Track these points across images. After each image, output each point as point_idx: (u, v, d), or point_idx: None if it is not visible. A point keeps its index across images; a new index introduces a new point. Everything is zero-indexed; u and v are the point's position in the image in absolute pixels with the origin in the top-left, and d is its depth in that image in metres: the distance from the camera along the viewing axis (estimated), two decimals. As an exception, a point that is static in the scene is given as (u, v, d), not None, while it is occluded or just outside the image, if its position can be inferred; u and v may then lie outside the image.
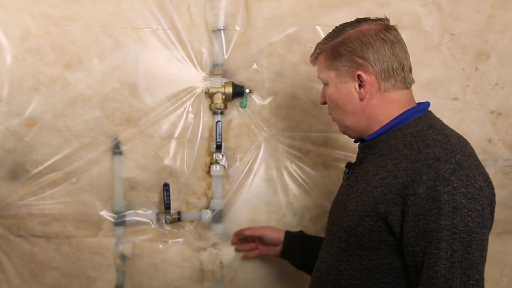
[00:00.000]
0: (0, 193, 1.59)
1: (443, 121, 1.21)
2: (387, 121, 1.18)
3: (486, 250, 1.03)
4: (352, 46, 1.18)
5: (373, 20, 1.22)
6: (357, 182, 1.19)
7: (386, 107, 1.19)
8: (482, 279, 1.00)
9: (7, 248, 1.63)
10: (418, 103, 1.22)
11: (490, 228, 1.08)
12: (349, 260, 1.15)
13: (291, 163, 1.67)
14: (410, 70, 1.22)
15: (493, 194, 1.11)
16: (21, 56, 1.55)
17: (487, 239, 1.04)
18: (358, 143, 1.28)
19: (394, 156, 1.12)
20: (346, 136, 1.67)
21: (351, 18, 1.61)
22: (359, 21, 1.22)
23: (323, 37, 1.27)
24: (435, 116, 1.22)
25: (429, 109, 1.22)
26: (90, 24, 1.58)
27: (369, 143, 1.21)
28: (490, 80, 1.68)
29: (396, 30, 1.21)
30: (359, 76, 1.18)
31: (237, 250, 1.67)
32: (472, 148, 1.14)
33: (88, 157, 1.61)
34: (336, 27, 1.25)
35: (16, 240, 1.62)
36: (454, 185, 1.01)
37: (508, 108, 1.69)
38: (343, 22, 1.24)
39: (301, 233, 1.58)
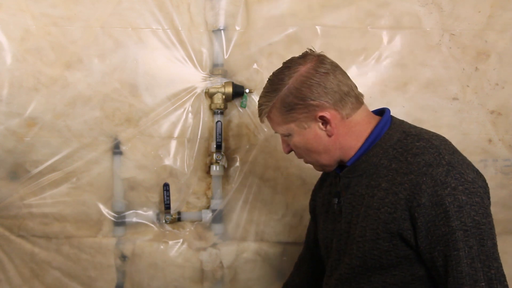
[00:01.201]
0: (0, 193, 1.59)
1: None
2: (360, 144, 1.18)
3: (495, 236, 1.06)
4: (301, 92, 1.15)
5: (301, 57, 1.19)
6: (353, 208, 1.19)
7: (354, 131, 1.18)
8: (501, 265, 1.03)
9: (8, 248, 1.63)
10: (375, 112, 1.22)
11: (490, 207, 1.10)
12: (370, 281, 1.15)
13: (291, 163, 1.66)
14: (355, 86, 1.20)
15: (484, 180, 1.13)
16: (21, 56, 1.55)
17: (493, 226, 1.07)
18: (337, 172, 1.26)
19: (384, 173, 1.13)
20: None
21: (351, 18, 1.62)
22: (289, 66, 1.18)
23: (262, 93, 1.22)
24: (399, 120, 1.21)
25: (390, 114, 1.21)
26: (90, 24, 1.58)
27: (350, 168, 1.20)
28: (490, 80, 1.68)
29: (326, 57, 1.20)
30: (321, 117, 1.16)
31: None
32: (451, 143, 1.16)
33: (88, 157, 1.61)
34: (271, 80, 1.20)
35: (17, 240, 1.62)
36: (452, 186, 1.04)
37: (508, 108, 1.68)
38: (273, 73, 1.20)
39: None
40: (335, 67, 1.18)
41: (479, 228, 1.02)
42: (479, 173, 1.13)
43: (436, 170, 1.05)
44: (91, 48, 1.58)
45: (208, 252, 1.66)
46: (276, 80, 1.19)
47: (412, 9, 1.65)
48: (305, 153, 1.22)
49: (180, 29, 1.61)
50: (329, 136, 1.17)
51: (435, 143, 1.11)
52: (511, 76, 1.68)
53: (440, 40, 1.66)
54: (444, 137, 1.16)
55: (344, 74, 1.19)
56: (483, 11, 1.67)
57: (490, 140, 1.69)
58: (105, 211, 1.64)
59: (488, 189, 1.13)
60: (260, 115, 1.24)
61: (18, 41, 1.55)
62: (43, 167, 1.59)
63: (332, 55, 1.62)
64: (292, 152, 1.26)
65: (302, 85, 1.15)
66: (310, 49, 1.21)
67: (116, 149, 1.62)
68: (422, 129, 1.19)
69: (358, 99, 1.19)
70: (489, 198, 1.12)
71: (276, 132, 1.24)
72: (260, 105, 1.23)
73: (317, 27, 1.63)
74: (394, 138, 1.15)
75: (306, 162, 1.26)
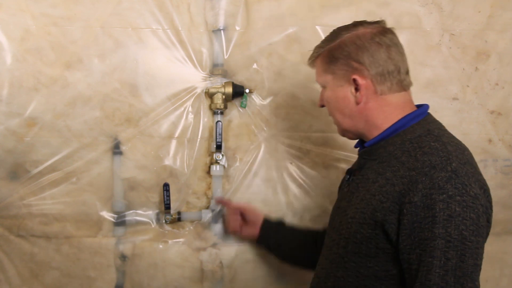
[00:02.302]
0: (0, 193, 1.59)
1: (443, 122, 1.21)
2: (385, 126, 1.18)
3: (481, 258, 1.03)
4: (347, 50, 1.19)
5: (369, 23, 1.22)
6: (358, 189, 1.19)
7: (383, 111, 1.19)
8: (476, 287, 1.00)
9: (7, 248, 1.63)
10: (417, 106, 1.22)
11: (487, 236, 1.08)
12: (346, 267, 1.16)
13: (291, 163, 1.67)
14: (407, 72, 1.21)
15: (490, 201, 1.10)
16: (21, 56, 1.55)
17: (482, 248, 1.03)
18: (358, 148, 1.28)
19: (393, 163, 1.12)
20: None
21: (351, 18, 1.61)
22: (355, 24, 1.22)
23: (322, 40, 1.27)
24: (434, 119, 1.21)
25: (429, 111, 1.22)
26: (90, 24, 1.58)
27: (368, 149, 1.21)
28: (490, 80, 1.68)
29: (392, 33, 1.21)
30: (354, 80, 1.18)
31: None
32: (470, 154, 1.14)
33: (88, 157, 1.61)
34: (333, 30, 1.25)
35: (16, 240, 1.62)
36: (449, 193, 1.01)
37: (508, 108, 1.69)
38: (341, 25, 1.24)
39: (278, 225, 1.59)
40: (393, 44, 1.19)
41: (464, 244, 0.99)
42: (487, 192, 1.10)
43: (438, 174, 1.04)
44: (91, 48, 1.58)
45: (208, 252, 1.66)
46: (335, 32, 1.23)
47: (412, 9, 1.65)
48: (332, 111, 1.26)
49: (180, 29, 1.61)
50: (357, 103, 1.19)
51: (449, 148, 1.09)
52: (511, 76, 1.68)
53: (440, 40, 1.66)
54: (465, 146, 1.15)
55: (398, 54, 1.19)
56: (483, 11, 1.67)
57: (490, 140, 1.69)
58: (105, 211, 1.64)
59: (491, 212, 1.10)
60: (308, 59, 1.29)
61: (18, 41, 1.55)
62: (43, 167, 1.59)
63: (332, 55, 1.63)
64: None
65: (353, 44, 1.18)
66: (383, 20, 1.23)
67: (116, 149, 1.62)
68: (447, 132, 1.18)
69: (401, 83, 1.19)
70: (488, 220, 1.08)
71: (316, 81, 1.29)
72: (313, 50, 1.27)
73: (317, 27, 1.63)
74: (416, 133, 1.15)
75: (334, 122, 1.29)
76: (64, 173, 1.61)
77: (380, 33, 1.19)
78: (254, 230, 1.60)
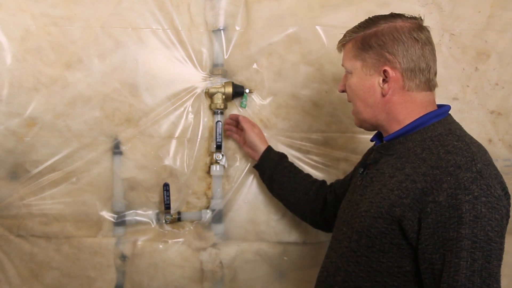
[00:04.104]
0: (0, 193, 1.59)
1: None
2: (406, 122, 1.18)
3: (502, 258, 1.03)
4: (383, 40, 1.17)
5: (407, 17, 1.21)
6: (372, 183, 1.19)
7: (406, 107, 1.18)
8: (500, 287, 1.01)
9: (7, 248, 1.63)
10: (439, 106, 1.22)
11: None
12: (358, 262, 1.15)
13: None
14: (436, 73, 1.21)
15: (509, 204, 1.11)
16: (21, 56, 1.55)
17: (504, 248, 1.04)
18: (374, 142, 1.28)
19: (412, 160, 1.12)
20: (346, 137, 1.69)
21: (351, 18, 1.62)
22: (393, 16, 1.21)
23: (355, 26, 1.25)
24: (454, 120, 1.21)
25: (449, 112, 1.22)
26: (90, 24, 1.58)
27: (386, 144, 1.21)
28: (490, 80, 1.68)
29: (428, 31, 1.21)
30: (385, 71, 1.17)
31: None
32: (490, 156, 1.14)
33: (88, 157, 1.61)
34: (370, 18, 1.23)
35: (16, 240, 1.62)
36: (475, 194, 1.01)
37: (508, 108, 1.68)
38: (378, 14, 1.23)
39: (279, 159, 1.58)
40: (429, 43, 1.19)
41: (490, 245, 0.99)
42: (508, 194, 1.10)
43: (463, 174, 1.04)
44: (91, 48, 1.58)
45: (208, 252, 1.66)
46: (373, 19, 1.22)
47: (412, 9, 1.65)
48: (354, 98, 1.24)
49: (180, 29, 1.61)
50: (383, 95, 1.18)
51: (473, 149, 1.09)
52: (511, 76, 1.68)
53: (440, 40, 1.66)
54: (485, 149, 1.15)
55: (432, 54, 1.19)
56: (483, 11, 1.67)
57: (490, 140, 1.69)
58: (105, 211, 1.64)
59: (510, 214, 1.10)
60: (339, 42, 1.27)
61: (18, 41, 1.55)
62: (43, 167, 1.59)
63: (332, 55, 1.63)
64: None
65: (389, 34, 1.17)
66: (421, 18, 1.22)
67: (116, 149, 1.62)
68: (467, 134, 1.18)
69: (429, 82, 1.19)
70: (507, 220, 1.08)
71: (342, 65, 1.27)
72: (345, 33, 1.25)
73: (317, 27, 1.63)
74: (436, 131, 1.15)
75: (352, 112, 1.27)
76: (64, 173, 1.61)
77: (418, 28, 1.18)
78: (254, 154, 1.61)
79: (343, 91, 1.28)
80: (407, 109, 1.18)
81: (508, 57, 1.67)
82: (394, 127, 1.19)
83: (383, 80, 1.18)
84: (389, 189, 1.12)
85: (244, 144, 1.64)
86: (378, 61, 1.18)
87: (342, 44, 1.27)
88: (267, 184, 1.61)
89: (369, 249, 1.13)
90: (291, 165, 1.60)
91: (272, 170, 1.57)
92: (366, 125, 1.26)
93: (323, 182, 1.58)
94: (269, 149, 1.60)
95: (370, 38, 1.19)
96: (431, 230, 1.03)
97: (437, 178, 1.05)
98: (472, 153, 1.07)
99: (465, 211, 1.00)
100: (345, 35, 1.26)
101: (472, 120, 1.67)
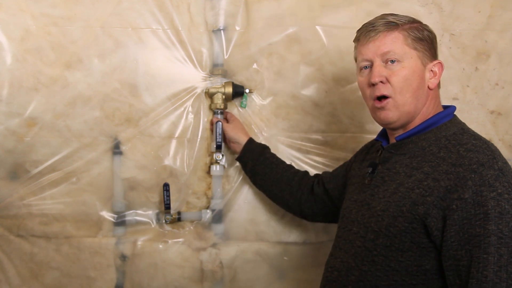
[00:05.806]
0: (0, 193, 1.59)
1: None
2: (427, 117, 1.20)
3: None
4: (431, 36, 1.22)
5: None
6: (385, 182, 1.19)
7: (436, 102, 1.23)
8: None
9: (7, 248, 1.63)
10: (444, 107, 1.25)
11: None
12: (374, 261, 1.15)
13: (291, 163, 1.66)
14: None
15: None
16: (21, 56, 1.55)
17: None
18: (381, 142, 1.28)
19: (430, 159, 1.13)
20: (346, 137, 1.69)
21: (351, 18, 1.62)
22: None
23: (386, 15, 1.22)
24: (461, 120, 1.23)
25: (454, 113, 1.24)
26: (90, 24, 1.58)
27: (397, 144, 1.21)
28: (490, 80, 1.68)
29: None
30: (439, 63, 1.21)
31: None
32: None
33: (88, 157, 1.61)
34: (397, 14, 1.24)
35: (16, 240, 1.62)
36: (498, 191, 1.03)
37: (508, 108, 1.68)
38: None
39: (261, 150, 1.59)
40: None
41: None
42: None
43: (487, 171, 1.05)
44: (91, 48, 1.58)
45: (208, 252, 1.66)
46: (405, 16, 1.23)
47: (412, 9, 1.65)
48: (403, 89, 1.17)
49: (180, 29, 1.61)
50: (429, 88, 1.21)
51: (491, 147, 1.12)
52: (511, 76, 1.68)
53: (440, 40, 1.66)
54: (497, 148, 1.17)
55: None
56: (483, 11, 1.67)
57: (490, 140, 1.69)
58: (105, 211, 1.64)
59: None
60: (381, 24, 1.19)
61: (18, 41, 1.55)
62: (43, 167, 1.59)
63: (332, 55, 1.63)
64: None
65: (433, 33, 1.24)
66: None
67: (116, 149, 1.62)
68: (478, 134, 1.20)
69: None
70: None
71: (383, 51, 1.18)
72: (385, 17, 1.21)
73: (317, 27, 1.63)
74: (450, 131, 1.17)
75: (385, 105, 1.18)
76: (64, 173, 1.61)
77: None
78: (236, 146, 1.62)
79: (381, 81, 1.18)
80: (435, 104, 1.23)
81: (508, 57, 1.67)
82: (417, 121, 1.21)
83: (431, 72, 1.21)
84: (408, 188, 1.12)
85: (229, 141, 1.64)
86: (430, 54, 1.21)
87: (386, 28, 1.18)
88: (250, 176, 1.62)
89: (387, 248, 1.13)
90: (273, 155, 1.61)
91: (255, 162, 1.58)
92: (402, 120, 1.20)
93: (306, 172, 1.59)
94: (250, 141, 1.61)
95: (423, 31, 1.21)
96: (457, 227, 1.04)
97: (460, 175, 1.07)
98: (492, 151, 1.10)
99: (490, 208, 1.02)
100: (388, 19, 1.20)
101: (472, 120, 1.67)
